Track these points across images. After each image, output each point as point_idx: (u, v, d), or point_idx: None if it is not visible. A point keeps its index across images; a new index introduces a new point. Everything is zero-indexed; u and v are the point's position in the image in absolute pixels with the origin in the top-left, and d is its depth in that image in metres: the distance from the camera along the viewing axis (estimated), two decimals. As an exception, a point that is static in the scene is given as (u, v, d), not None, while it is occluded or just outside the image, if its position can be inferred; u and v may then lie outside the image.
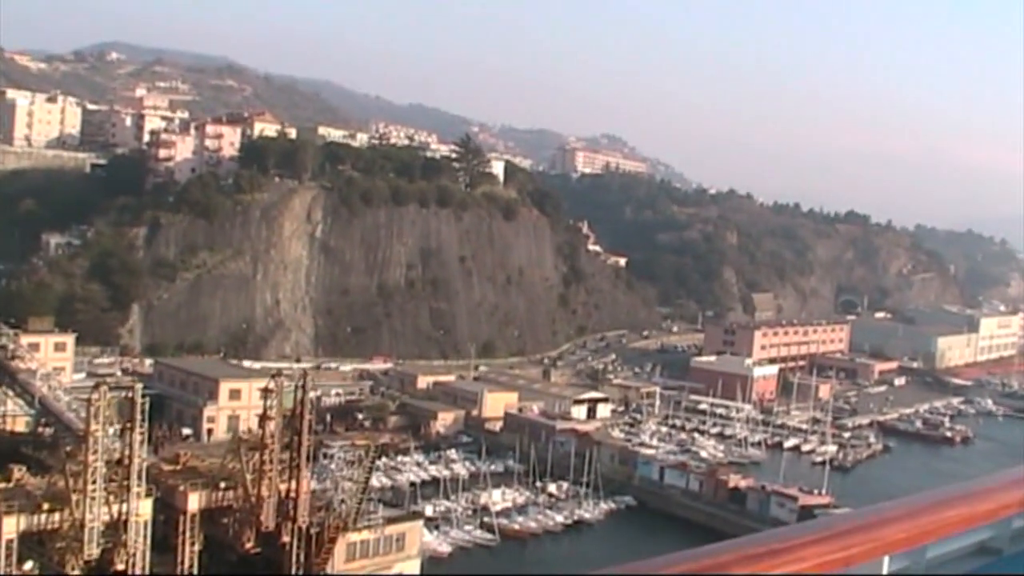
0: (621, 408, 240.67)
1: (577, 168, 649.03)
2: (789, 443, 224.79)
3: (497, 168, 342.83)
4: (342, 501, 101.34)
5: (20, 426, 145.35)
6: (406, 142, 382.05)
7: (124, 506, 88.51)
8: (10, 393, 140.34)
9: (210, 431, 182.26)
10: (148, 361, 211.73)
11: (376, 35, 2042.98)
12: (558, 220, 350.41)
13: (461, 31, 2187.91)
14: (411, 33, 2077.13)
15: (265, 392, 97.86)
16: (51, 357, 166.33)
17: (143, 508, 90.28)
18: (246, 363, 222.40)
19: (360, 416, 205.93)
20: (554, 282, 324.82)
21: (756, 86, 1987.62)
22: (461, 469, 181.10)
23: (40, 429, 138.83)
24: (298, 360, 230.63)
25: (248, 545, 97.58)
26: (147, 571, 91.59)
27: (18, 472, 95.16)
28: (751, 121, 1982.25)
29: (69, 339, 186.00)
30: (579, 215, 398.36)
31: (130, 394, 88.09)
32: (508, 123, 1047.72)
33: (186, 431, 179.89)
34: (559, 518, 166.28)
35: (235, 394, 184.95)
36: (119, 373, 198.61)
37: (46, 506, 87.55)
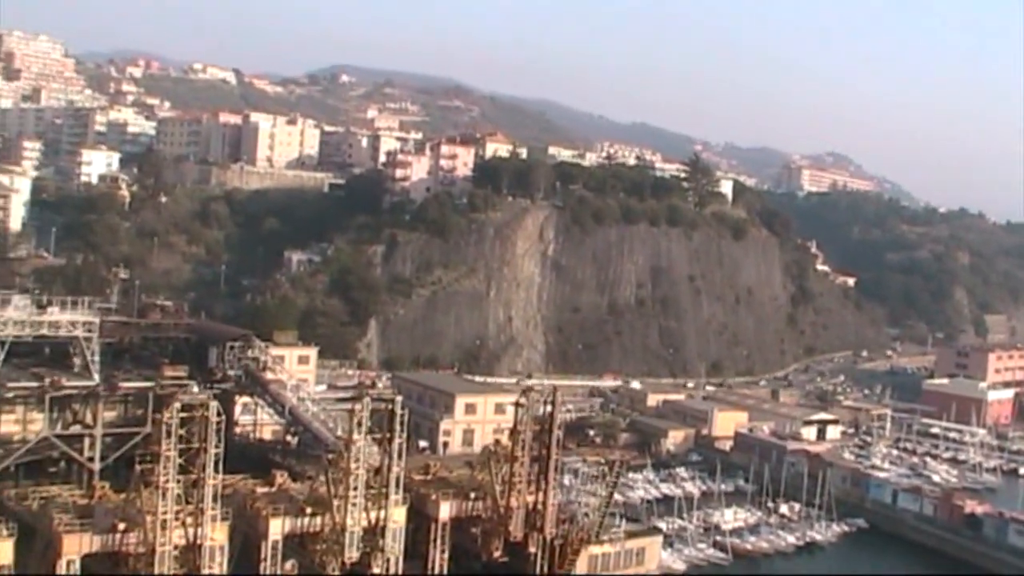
0: (851, 430, 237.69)
1: (803, 186, 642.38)
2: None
3: (725, 187, 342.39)
4: (586, 514, 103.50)
5: (267, 434, 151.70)
6: (633, 161, 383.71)
7: (381, 512, 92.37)
8: (261, 403, 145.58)
9: (446, 444, 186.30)
10: (385, 375, 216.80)
11: (599, 54, 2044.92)
12: (786, 239, 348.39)
13: (682, 49, 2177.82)
14: (633, 52, 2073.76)
15: (516, 406, 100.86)
16: (295, 369, 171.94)
17: (398, 515, 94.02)
18: (479, 378, 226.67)
19: (591, 432, 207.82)
20: (782, 302, 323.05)
21: (988, 101, 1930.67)
22: (692, 487, 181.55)
23: (288, 438, 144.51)
24: (529, 376, 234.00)
25: (496, 554, 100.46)
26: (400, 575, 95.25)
27: (280, 477, 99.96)
28: (982, 139, 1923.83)
29: (312, 352, 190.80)
30: (806, 234, 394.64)
31: (390, 406, 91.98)
32: (731, 141, 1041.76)
33: (422, 444, 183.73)
34: (791, 539, 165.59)
35: (471, 408, 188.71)
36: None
37: (309, 510, 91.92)
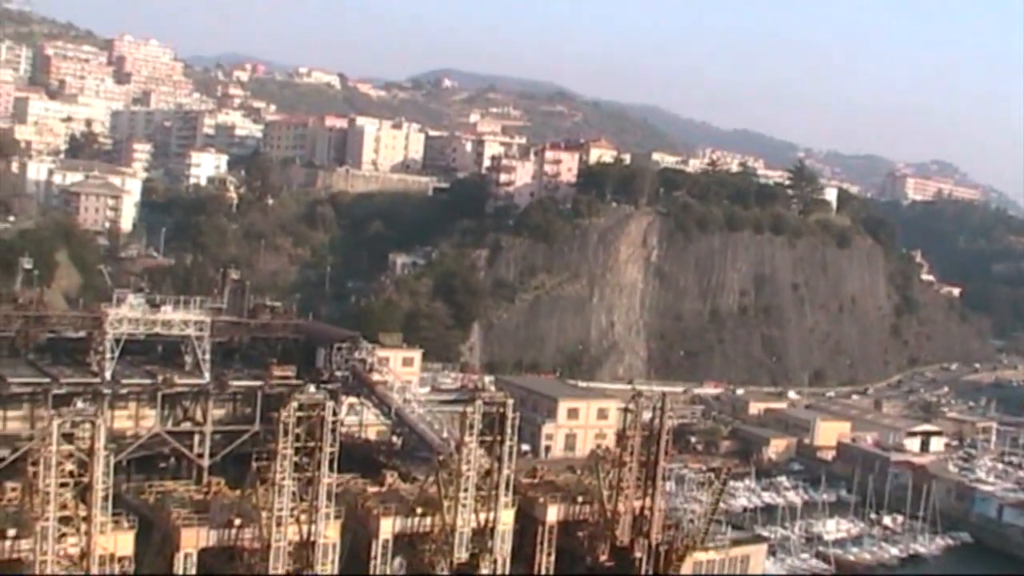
0: (955, 442, 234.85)
1: (907, 195, 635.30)
2: None
3: (830, 195, 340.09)
4: (691, 520, 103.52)
5: (371, 435, 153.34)
6: (736, 168, 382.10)
7: (491, 514, 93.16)
8: (367, 404, 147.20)
9: (548, 448, 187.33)
10: (488, 378, 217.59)
11: (701, 60, 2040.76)
12: (891, 248, 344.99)
13: (784, 55, 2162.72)
14: (736, 58, 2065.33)
15: (625, 411, 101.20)
16: (399, 371, 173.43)
17: (506, 517, 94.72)
18: (580, 383, 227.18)
19: (692, 440, 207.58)
20: (886, 311, 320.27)
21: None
22: (794, 497, 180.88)
23: (393, 439, 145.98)
24: (630, 382, 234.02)
25: (602, 558, 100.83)
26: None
27: (390, 478, 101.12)
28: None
29: (416, 354, 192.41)
30: (911, 244, 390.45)
31: (502, 409, 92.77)
32: (834, 148, 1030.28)
33: (524, 447, 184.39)
34: (894, 551, 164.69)
35: (573, 413, 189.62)
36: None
37: (419, 510, 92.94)
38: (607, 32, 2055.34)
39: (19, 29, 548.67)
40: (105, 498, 76.65)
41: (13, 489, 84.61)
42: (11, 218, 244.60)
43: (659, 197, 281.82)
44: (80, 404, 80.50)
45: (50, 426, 74.55)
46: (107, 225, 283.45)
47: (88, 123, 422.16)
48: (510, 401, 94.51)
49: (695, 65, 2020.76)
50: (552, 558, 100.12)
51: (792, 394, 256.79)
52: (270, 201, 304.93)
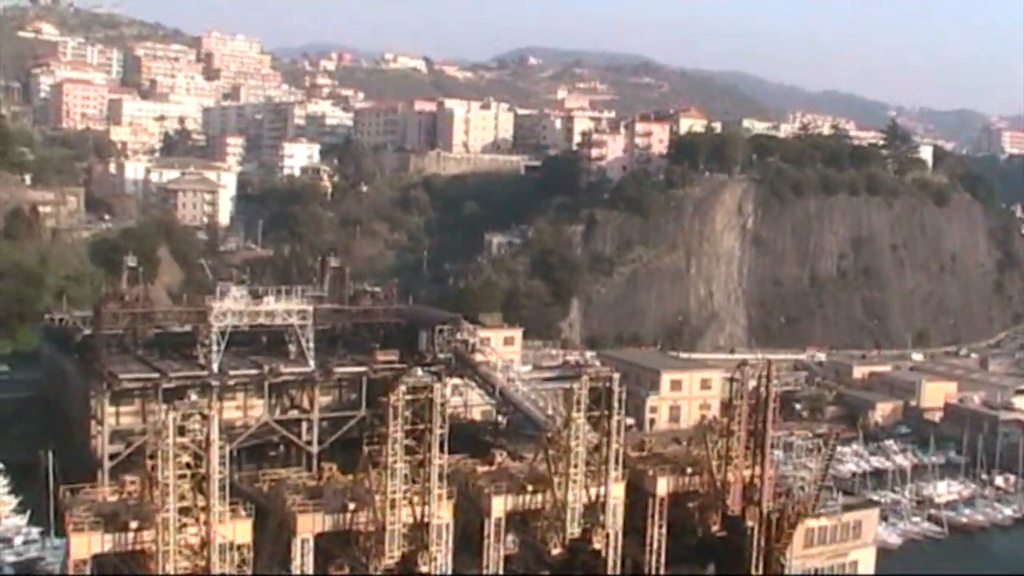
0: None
1: (1004, 149, 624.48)
2: None
3: (925, 153, 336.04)
4: (801, 488, 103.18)
5: (476, 415, 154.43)
6: (828, 131, 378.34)
7: (601, 489, 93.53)
8: (472, 384, 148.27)
9: (652, 421, 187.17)
10: (589, 353, 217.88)
11: (786, 21, 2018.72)
12: (990, 204, 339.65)
13: (869, 11, 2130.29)
14: (820, 17, 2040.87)
15: (731, 380, 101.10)
16: (501, 350, 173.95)
17: (617, 491, 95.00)
18: (682, 355, 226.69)
19: (797, 406, 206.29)
20: (988, 268, 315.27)
21: None
22: (903, 460, 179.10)
23: (499, 417, 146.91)
24: (732, 351, 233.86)
25: (714, 528, 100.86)
26: (619, 550, 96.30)
27: (499, 456, 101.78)
28: None
29: (517, 333, 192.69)
30: (1010, 198, 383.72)
31: (608, 384, 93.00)
32: (927, 105, 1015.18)
33: (628, 421, 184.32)
34: (1008, 511, 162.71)
35: (676, 385, 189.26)
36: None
37: (530, 488, 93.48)
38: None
39: (109, 32, 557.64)
40: (222, 488, 78.07)
41: (132, 482, 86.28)
42: (107, 217, 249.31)
43: (752, 164, 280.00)
44: (193, 397, 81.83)
45: (166, 420, 76.00)
46: (205, 220, 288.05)
47: (181, 120, 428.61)
48: (616, 375, 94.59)
49: (780, 28, 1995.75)
50: (664, 530, 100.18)
51: (909, 357, 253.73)
52: (364, 188, 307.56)
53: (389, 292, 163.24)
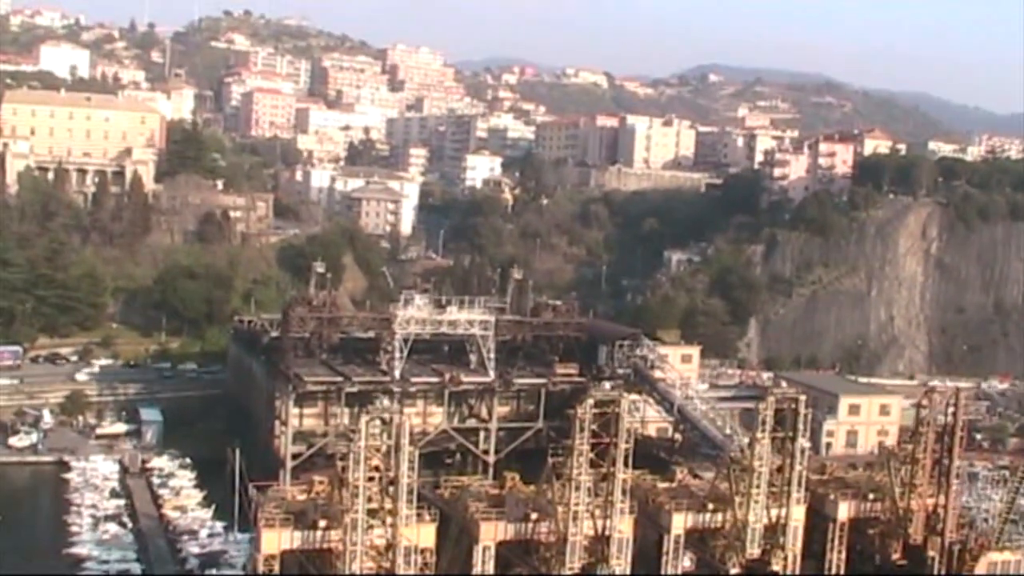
0: None
1: None
2: None
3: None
4: (985, 519, 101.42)
5: (651, 431, 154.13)
6: (1017, 155, 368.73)
7: (782, 511, 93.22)
8: (649, 400, 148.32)
9: (828, 445, 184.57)
10: (766, 374, 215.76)
11: (973, 43, 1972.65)
12: None
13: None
14: (1008, 41, 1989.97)
15: (918, 407, 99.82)
16: (678, 368, 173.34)
17: (797, 514, 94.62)
18: (860, 379, 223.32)
19: (978, 436, 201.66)
20: None
21: None
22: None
23: (675, 435, 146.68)
24: (911, 377, 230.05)
25: (894, 556, 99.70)
26: (797, 573, 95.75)
27: (680, 473, 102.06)
28: None
29: (695, 351, 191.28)
30: None
31: (794, 405, 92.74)
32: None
33: (805, 444, 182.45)
34: None
35: (854, 409, 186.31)
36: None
37: (710, 506, 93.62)
38: (872, 20, 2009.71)
39: (298, 44, 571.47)
40: (409, 492, 79.92)
41: (320, 482, 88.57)
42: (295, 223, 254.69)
43: (937, 187, 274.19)
44: (385, 402, 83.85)
45: (358, 424, 78.02)
46: (387, 228, 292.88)
47: (366, 130, 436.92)
48: (802, 397, 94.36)
49: (966, 48, 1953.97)
50: (843, 555, 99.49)
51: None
52: (544, 201, 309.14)
53: (571, 306, 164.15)
